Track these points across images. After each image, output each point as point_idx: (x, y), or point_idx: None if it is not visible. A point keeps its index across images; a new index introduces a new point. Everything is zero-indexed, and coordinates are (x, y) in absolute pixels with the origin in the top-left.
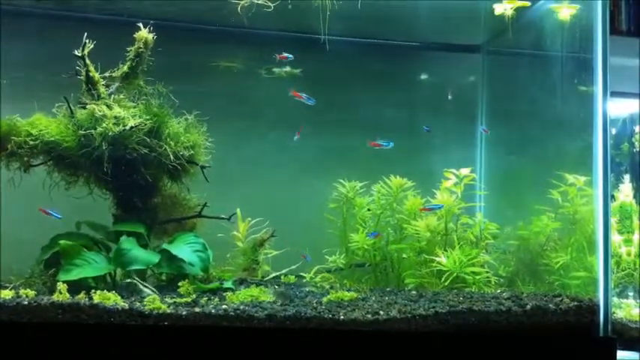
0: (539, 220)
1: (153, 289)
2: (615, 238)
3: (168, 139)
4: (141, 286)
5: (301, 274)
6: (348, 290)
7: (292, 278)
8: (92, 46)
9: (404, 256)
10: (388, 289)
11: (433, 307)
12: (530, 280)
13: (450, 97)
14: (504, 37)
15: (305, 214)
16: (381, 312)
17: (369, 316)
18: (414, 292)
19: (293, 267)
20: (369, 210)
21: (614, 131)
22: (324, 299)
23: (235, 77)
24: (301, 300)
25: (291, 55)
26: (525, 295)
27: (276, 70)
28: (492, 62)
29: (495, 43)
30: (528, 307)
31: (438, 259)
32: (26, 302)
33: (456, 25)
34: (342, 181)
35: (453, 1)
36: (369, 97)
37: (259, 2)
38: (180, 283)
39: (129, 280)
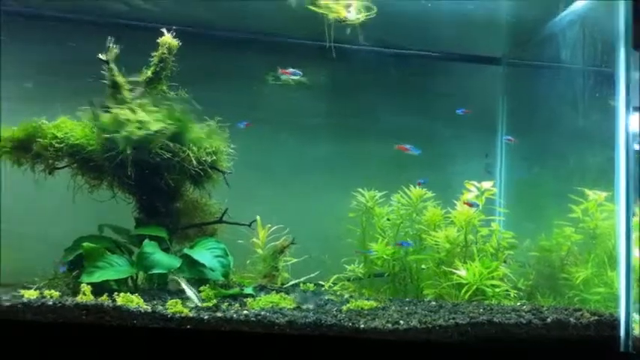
0: (560, 231)
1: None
2: (636, 253)
3: (190, 145)
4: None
5: (320, 282)
6: (368, 299)
7: (311, 286)
8: (117, 50)
9: (423, 266)
10: (407, 299)
11: (453, 318)
12: (550, 294)
13: (462, 111)
14: (525, 49)
15: (324, 222)
16: (401, 321)
17: (389, 325)
18: (433, 303)
19: (312, 275)
20: (388, 220)
21: (637, 147)
22: (344, 307)
23: (256, 84)
24: (321, 308)
25: (298, 71)
26: (545, 309)
27: (283, 77)
28: (513, 74)
29: (516, 55)
30: (549, 320)
31: (457, 271)
32: (51, 303)
33: (476, 36)
34: (361, 190)
35: (473, 12)
36: (390, 106)
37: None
38: (201, 288)
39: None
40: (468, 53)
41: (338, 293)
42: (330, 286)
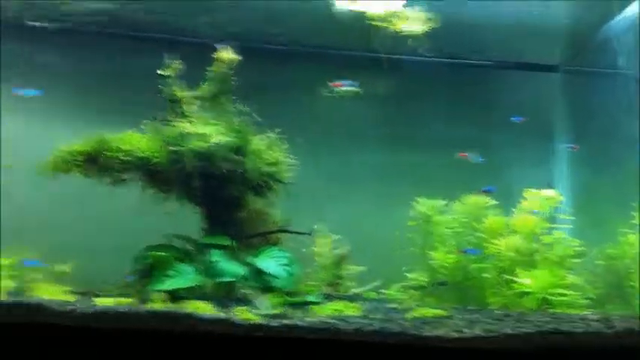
0: (625, 239)
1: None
2: None
3: (251, 156)
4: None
5: (383, 290)
6: (431, 308)
7: (375, 294)
8: (178, 65)
9: (486, 275)
10: (470, 307)
11: (519, 327)
12: (618, 302)
13: (518, 119)
14: (582, 55)
15: (384, 230)
16: (466, 330)
17: (454, 333)
18: (498, 312)
19: (375, 283)
20: (449, 228)
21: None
22: (408, 315)
23: (315, 96)
24: (385, 315)
25: (353, 82)
26: (614, 317)
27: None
28: (570, 81)
29: (573, 61)
30: (618, 328)
31: (522, 280)
32: (123, 310)
33: (533, 44)
34: (420, 198)
35: (529, 20)
36: (445, 115)
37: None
38: (267, 296)
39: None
40: (524, 61)
41: (401, 301)
42: (393, 295)
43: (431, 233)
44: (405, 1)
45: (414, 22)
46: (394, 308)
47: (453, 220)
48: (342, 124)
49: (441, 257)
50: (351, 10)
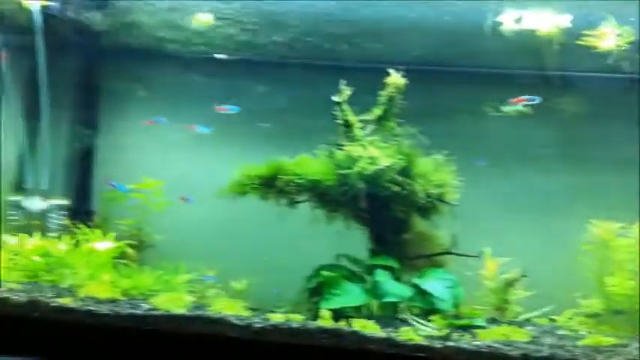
0: None
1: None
2: None
3: (418, 178)
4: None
5: (553, 316)
6: (606, 336)
7: (544, 320)
8: (349, 91)
9: None
10: None
11: None
12: None
13: None
14: None
15: (555, 255)
16: None
17: None
18: None
19: (545, 309)
20: (628, 253)
21: None
22: (580, 342)
23: (481, 117)
24: (555, 342)
25: (533, 97)
26: None
27: (506, 108)
28: None
29: None
30: None
31: None
32: (295, 326)
33: None
34: (595, 221)
35: None
36: (624, 135)
37: None
38: (432, 318)
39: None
40: None
41: (573, 329)
42: (564, 321)
43: (607, 258)
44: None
45: (609, 38)
46: (565, 335)
47: (633, 244)
48: (511, 144)
49: (619, 283)
50: (519, 30)
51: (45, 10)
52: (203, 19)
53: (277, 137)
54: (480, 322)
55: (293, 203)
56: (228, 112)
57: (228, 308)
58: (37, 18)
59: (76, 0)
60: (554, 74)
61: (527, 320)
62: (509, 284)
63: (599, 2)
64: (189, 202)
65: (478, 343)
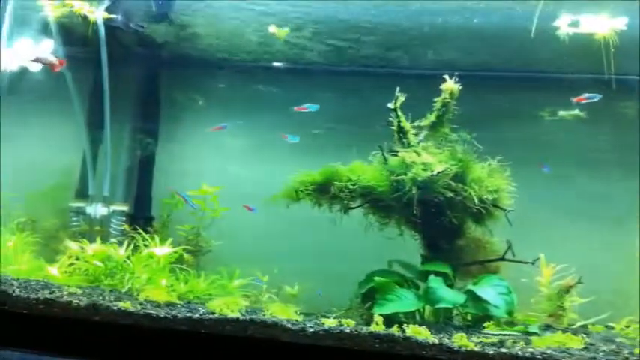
0: None
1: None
2: None
3: (472, 184)
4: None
5: (610, 324)
6: None
7: (600, 328)
8: (403, 98)
9: None
10: None
11: None
12: None
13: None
14: None
15: (612, 261)
16: None
17: None
18: None
19: (602, 316)
20: None
21: None
22: (636, 350)
23: (538, 122)
24: (611, 350)
25: (594, 95)
26: None
27: (562, 112)
28: None
29: None
30: None
31: None
32: (348, 331)
33: None
34: None
35: None
36: None
37: None
38: (485, 324)
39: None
40: None
41: (630, 336)
42: (621, 329)
43: None
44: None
45: None
46: (622, 343)
47: None
48: (569, 150)
49: None
50: (575, 33)
51: (109, 22)
52: (279, 30)
53: (331, 144)
54: (534, 328)
55: (347, 209)
56: (308, 111)
57: (280, 312)
58: (101, 30)
59: (139, 12)
60: (611, 78)
61: (584, 327)
62: (565, 291)
63: None
64: (253, 212)
65: (532, 349)
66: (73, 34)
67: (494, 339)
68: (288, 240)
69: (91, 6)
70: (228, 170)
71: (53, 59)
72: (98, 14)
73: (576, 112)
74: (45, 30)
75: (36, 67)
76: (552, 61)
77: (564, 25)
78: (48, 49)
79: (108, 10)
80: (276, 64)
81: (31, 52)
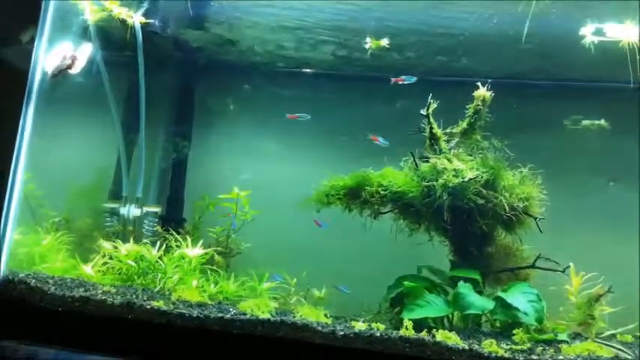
0: None
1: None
2: None
3: (503, 191)
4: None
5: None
6: None
7: (630, 337)
8: (435, 105)
9: None
10: None
11: None
12: None
13: None
14: None
15: None
16: None
17: None
18: None
19: (631, 326)
20: None
21: None
22: None
23: (567, 130)
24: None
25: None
26: None
27: (584, 122)
28: None
29: None
30: None
31: None
32: (378, 334)
33: None
34: None
35: None
36: None
37: None
38: (514, 331)
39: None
40: None
41: None
42: None
43: None
44: None
45: None
46: None
47: None
48: (598, 158)
49: None
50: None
51: (146, 27)
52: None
53: (360, 149)
54: (563, 337)
55: (377, 214)
56: (299, 120)
57: (310, 315)
58: (139, 35)
59: (176, 17)
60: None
61: (614, 336)
62: (595, 299)
63: None
64: (322, 227)
65: (561, 357)
66: (112, 39)
67: (524, 347)
68: (317, 243)
69: (130, 10)
70: (262, 172)
71: (67, 61)
72: (136, 18)
73: (602, 122)
74: (84, 33)
75: (75, 70)
76: (585, 69)
77: (589, 33)
78: (86, 52)
79: (145, 14)
80: (307, 70)
81: (55, 65)
